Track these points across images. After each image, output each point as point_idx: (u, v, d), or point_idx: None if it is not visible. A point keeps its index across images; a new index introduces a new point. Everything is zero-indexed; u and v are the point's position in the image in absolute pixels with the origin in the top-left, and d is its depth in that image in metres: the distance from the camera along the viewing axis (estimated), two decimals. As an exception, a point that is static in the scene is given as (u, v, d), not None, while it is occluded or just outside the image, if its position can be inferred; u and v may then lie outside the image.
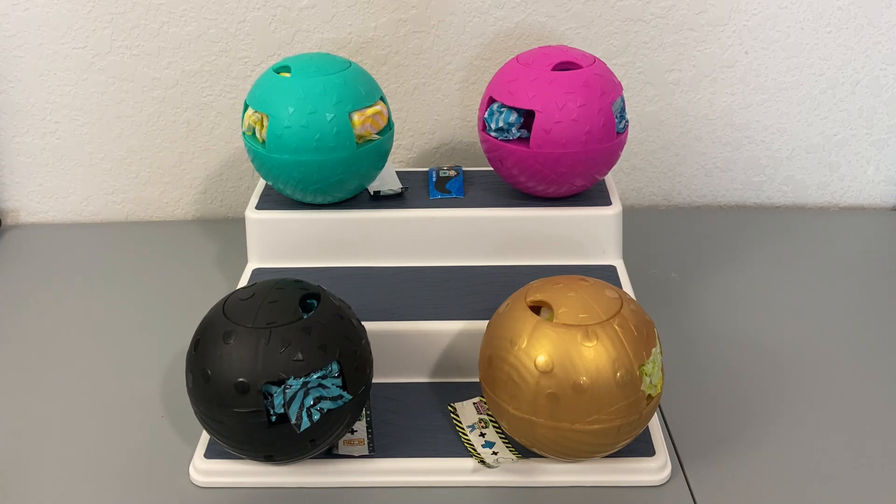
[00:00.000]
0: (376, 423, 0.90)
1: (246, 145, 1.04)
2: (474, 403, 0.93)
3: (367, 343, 0.85)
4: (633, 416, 0.79)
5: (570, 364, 0.77)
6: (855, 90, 1.31)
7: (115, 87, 1.29)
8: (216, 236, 1.31)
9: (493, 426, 0.89)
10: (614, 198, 1.08)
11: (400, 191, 1.09)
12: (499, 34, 1.27)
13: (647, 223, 1.32)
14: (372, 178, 1.06)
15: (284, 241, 1.06)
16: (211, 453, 0.87)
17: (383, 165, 1.07)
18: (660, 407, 0.94)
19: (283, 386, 0.77)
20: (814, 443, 0.90)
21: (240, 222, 1.10)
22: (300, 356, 0.77)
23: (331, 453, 0.86)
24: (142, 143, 1.32)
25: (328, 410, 0.79)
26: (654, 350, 0.80)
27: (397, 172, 1.15)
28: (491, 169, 1.12)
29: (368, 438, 0.88)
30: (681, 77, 1.30)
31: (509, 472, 0.85)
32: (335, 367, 0.79)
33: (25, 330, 1.11)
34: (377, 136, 1.03)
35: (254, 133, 1.03)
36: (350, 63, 1.04)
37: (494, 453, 0.85)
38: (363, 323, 0.86)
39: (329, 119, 0.98)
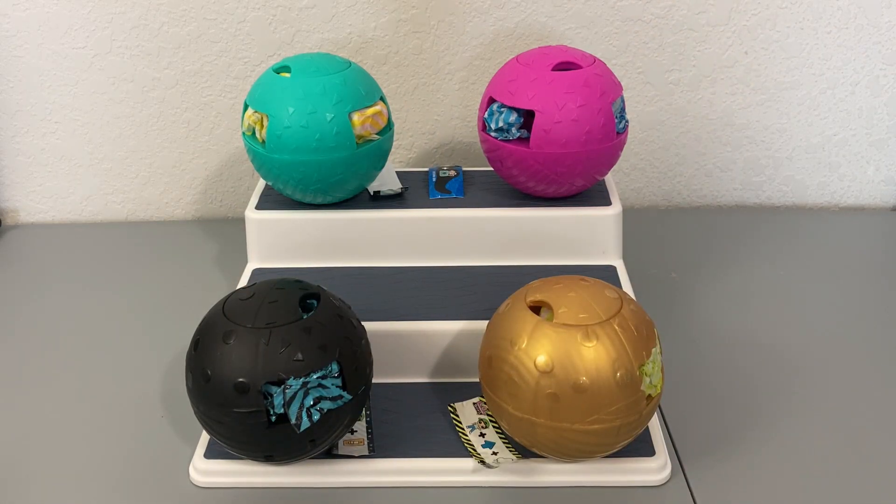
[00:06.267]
0: (376, 423, 0.90)
1: (246, 145, 1.04)
2: (474, 403, 0.93)
3: (367, 343, 0.85)
4: (633, 416, 0.79)
5: (570, 364, 0.77)
6: (855, 90, 1.31)
7: (115, 87, 1.29)
8: (216, 236, 1.31)
9: (493, 426, 0.89)
10: (614, 198, 1.08)
11: (400, 191, 1.09)
12: (499, 34, 1.27)
13: (647, 223, 1.32)
14: (372, 178, 1.06)
15: (284, 241, 1.06)
16: (211, 453, 0.87)
17: (383, 165, 1.07)
18: (660, 407, 0.94)
19: (282, 386, 0.77)
20: (814, 442, 0.90)
21: (240, 222, 1.10)
22: (300, 356, 0.77)
23: (331, 453, 0.86)
24: (142, 143, 1.32)
25: (328, 410, 0.79)
26: (654, 350, 0.80)
27: (397, 172, 1.15)
28: (491, 169, 1.12)
29: (368, 438, 0.88)
30: (681, 77, 1.30)
31: (509, 472, 0.85)
32: (335, 367, 0.79)
33: (25, 330, 1.11)
34: (377, 136, 1.03)
35: (254, 133, 1.03)
36: (350, 63, 1.04)
37: (494, 453, 0.85)
38: (363, 323, 0.86)
39: (329, 119, 0.98)
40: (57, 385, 1.01)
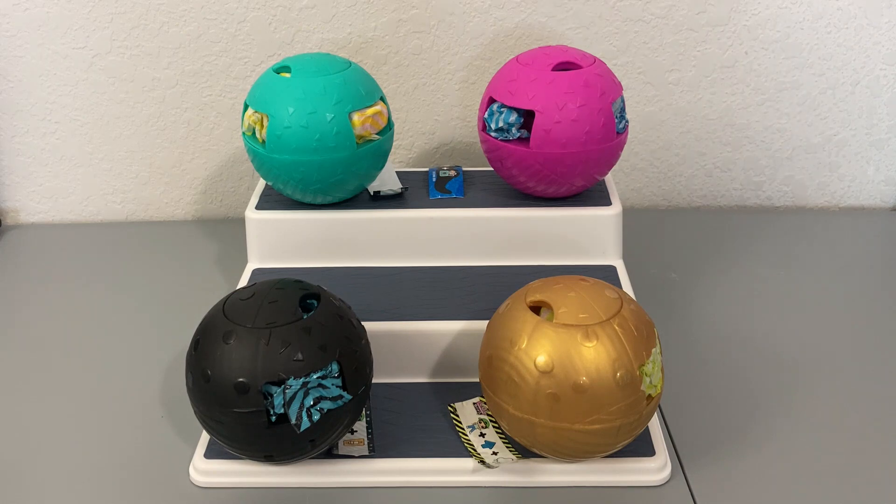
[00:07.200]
0: (376, 423, 0.90)
1: (246, 145, 1.04)
2: (474, 403, 0.93)
3: (367, 343, 0.85)
4: (633, 416, 0.79)
5: (570, 364, 0.77)
6: (855, 90, 1.31)
7: (115, 87, 1.29)
8: (216, 236, 1.31)
9: (493, 426, 0.89)
10: (614, 198, 1.08)
11: (400, 191, 1.09)
12: (499, 34, 1.27)
13: (647, 223, 1.32)
14: (372, 178, 1.07)
15: (284, 241, 1.06)
16: (211, 453, 0.87)
17: (383, 165, 1.07)
18: (660, 407, 0.94)
19: (283, 386, 0.77)
20: (814, 442, 0.90)
21: (240, 222, 1.10)
22: (300, 356, 0.77)
23: (331, 453, 0.86)
24: (142, 143, 1.32)
25: (328, 410, 0.79)
26: (654, 350, 0.80)
27: (397, 172, 1.15)
28: (491, 169, 1.12)
29: (368, 438, 0.88)
30: (681, 77, 1.30)
31: (509, 472, 0.85)
32: (335, 367, 0.79)
33: (25, 330, 1.11)
34: (377, 136, 1.03)
35: (254, 133, 1.03)
36: (350, 63, 1.04)
37: (494, 453, 0.85)
38: (363, 323, 0.86)
39: (329, 119, 0.98)
40: (56, 385, 1.01)
